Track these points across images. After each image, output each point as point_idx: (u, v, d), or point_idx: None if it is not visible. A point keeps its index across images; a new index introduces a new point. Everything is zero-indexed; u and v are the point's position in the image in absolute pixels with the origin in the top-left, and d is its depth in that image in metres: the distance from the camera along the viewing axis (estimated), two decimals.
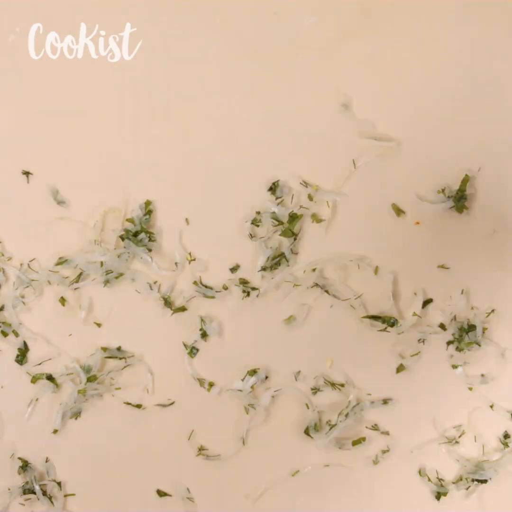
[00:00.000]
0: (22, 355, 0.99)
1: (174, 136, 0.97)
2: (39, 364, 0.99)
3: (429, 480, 0.99)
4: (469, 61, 0.97)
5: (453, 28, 0.97)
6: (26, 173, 0.97)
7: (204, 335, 0.98)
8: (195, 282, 0.98)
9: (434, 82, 0.97)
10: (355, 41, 0.97)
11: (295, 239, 0.97)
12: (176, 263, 0.98)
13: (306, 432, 0.98)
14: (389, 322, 0.97)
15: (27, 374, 0.99)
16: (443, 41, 0.97)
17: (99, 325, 0.99)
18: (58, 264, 0.98)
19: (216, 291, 0.98)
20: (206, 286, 0.98)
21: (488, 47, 0.97)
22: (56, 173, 0.98)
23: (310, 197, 0.97)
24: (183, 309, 0.98)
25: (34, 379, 0.99)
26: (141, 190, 0.98)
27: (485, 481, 0.99)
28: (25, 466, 0.99)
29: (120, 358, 0.99)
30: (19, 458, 0.99)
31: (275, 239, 0.98)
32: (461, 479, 0.99)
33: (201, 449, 0.99)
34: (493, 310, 0.98)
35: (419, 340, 0.98)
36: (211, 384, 0.99)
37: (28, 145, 0.98)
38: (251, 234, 0.98)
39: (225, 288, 0.98)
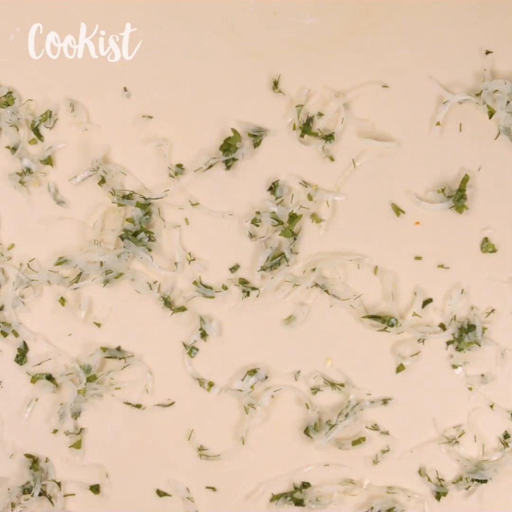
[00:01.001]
0: (21, 355, 0.99)
1: (175, 136, 0.97)
2: (39, 364, 0.99)
3: (429, 480, 0.99)
4: (468, 60, 0.97)
5: (453, 28, 0.97)
6: (27, 170, 0.98)
7: (203, 335, 0.98)
8: (195, 282, 0.98)
9: (434, 81, 0.97)
10: (355, 41, 0.97)
11: (295, 239, 0.97)
12: (176, 263, 0.98)
13: (306, 432, 0.98)
14: (389, 322, 0.97)
15: (27, 374, 0.99)
16: (442, 40, 0.97)
17: (99, 325, 0.99)
18: (58, 264, 0.98)
19: (216, 291, 0.98)
20: (206, 286, 0.98)
21: (488, 46, 0.97)
22: (55, 174, 0.98)
23: (310, 197, 0.97)
24: (183, 309, 0.98)
25: (34, 379, 0.99)
26: (141, 190, 0.98)
27: (485, 481, 0.98)
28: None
29: (120, 358, 0.99)
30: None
31: (275, 239, 0.98)
32: (461, 479, 0.99)
33: (201, 449, 0.99)
34: (493, 310, 0.98)
35: (419, 340, 0.98)
36: (211, 384, 0.99)
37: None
38: (251, 234, 0.98)
39: (225, 288, 0.98)
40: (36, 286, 0.98)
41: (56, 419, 0.99)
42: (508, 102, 0.96)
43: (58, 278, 0.98)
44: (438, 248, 0.98)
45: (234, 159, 0.97)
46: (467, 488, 0.99)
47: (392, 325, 0.97)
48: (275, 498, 0.99)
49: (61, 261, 0.98)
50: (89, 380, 0.98)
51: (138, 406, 0.99)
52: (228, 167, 0.97)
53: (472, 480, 0.99)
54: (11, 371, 0.99)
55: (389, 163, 0.97)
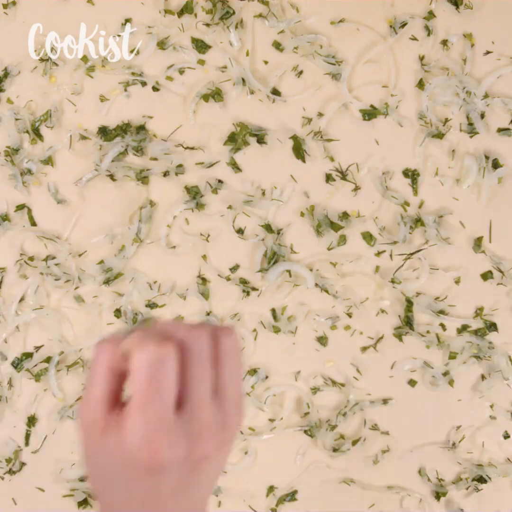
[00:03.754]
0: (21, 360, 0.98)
1: (175, 135, 0.98)
2: (40, 363, 0.99)
3: (429, 480, 0.99)
4: (468, 59, 0.97)
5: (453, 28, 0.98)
6: (28, 171, 0.97)
7: None
8: (196, 277, 0.97)
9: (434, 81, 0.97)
10: (355, 40, 0.97)
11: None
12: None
13: (306, 432, 0.98)
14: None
15: (29, 373, 0.99)
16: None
17: None
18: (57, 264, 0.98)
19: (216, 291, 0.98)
20: (205, 285, 0.98)
21: (488, 46, 0.97)
22: (55, 174, 0.98)
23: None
24: None
25: (37, 378, 0.98)
26: (141, 190, 0.98)
27: (485, 481, 0.99)
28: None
29: None
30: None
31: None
32: (461, 479, 0.99)
33: None
34: (493, 310, 0.99)
35: None
36: None
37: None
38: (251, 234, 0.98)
39: (225, 286, 0.98)
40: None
41: (56, 419, 0.99)
42: None
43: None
44: (438, 248, 0.98)
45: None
46: (467, 488, 0.99)
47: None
48: (275, 498, 0.99)
49: None
50: None
51: None
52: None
53: (472, 480, 0.99)
54: (11, 370, 0.99)
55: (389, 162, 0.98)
